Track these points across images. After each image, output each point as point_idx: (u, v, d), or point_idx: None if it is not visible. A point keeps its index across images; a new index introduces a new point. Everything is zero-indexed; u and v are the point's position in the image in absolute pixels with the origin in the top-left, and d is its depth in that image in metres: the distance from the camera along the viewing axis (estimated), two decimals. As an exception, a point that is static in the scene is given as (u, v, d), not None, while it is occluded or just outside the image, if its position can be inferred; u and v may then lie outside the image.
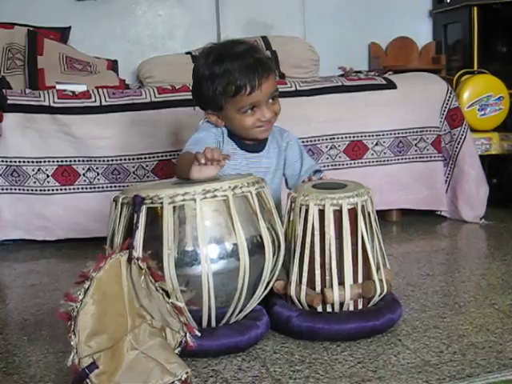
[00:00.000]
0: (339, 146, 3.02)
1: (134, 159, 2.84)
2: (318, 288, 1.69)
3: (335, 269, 1.66)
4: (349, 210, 1.67)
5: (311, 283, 1.69)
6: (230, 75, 1.83)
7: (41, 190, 2.80)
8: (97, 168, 2.83)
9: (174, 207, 1.51)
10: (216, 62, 1.86)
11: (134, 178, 2.84)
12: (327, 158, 3.00)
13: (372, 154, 3.05)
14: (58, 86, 3.10)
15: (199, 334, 1.49)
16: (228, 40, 1.98)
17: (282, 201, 1.96)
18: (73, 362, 1.34)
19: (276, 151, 2.04)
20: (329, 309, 1.71)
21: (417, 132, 3.09)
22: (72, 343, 1.35)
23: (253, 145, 1.98)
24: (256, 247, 1.57)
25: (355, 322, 1.66)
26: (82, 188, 2.84)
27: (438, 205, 3.14)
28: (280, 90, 2.91)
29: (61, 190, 2.82)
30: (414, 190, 3.10)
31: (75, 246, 2.82)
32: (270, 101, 1.90)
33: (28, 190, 2.80)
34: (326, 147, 3.00)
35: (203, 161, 1.62)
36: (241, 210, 1.56)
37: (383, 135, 3.05)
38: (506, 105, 3.37)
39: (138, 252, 1.47)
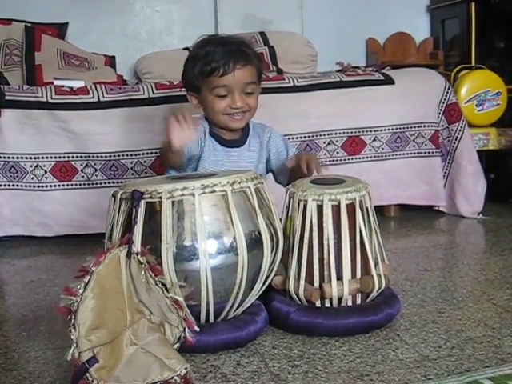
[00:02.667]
0: (337, 141, 3.02)
1: (132, 155, 2.84)
2: (317, 283, 1.69)
3: (333, 264, 1.67)
4: (347, 205, 1.68)
5: (309, 278, 1.70)
6: (209, 56, 1.92)
7: (39, 186, 2.80)
8: (95, 164, 2.83)
9: (173, 202, 1.51)
10: (202, 45, 1.97)
11: (132, 174, 2.84)
12: (325, 154, 3.00)
13: (370, 150, 3.05)
14: (56, 82, 3.09)
15: (198, 329, 1.49)
16: (227, 35, 2.06)
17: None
18: (73, 356, 1.34)
19: (258, 145, 2.07)
20: (327, 304, 1.71)
21: (415, 127, 3.09)
22: (72, 337, 1.35)
23: (233, 140, 2.03)
24: (254, 242, 1.57)
25: (354, 317, 1.66)
26: (80, 184, 2.84)
27: (436, 200, 3.14)
28: (278, 85, 2.97)
29: (59, 186, 2.82)
30: (412, 185, 3.10)
31: (74, 242, 2.82)
32: (245, 93, 1.95)
33: (26, 186, 2.80)
34: (324, 143, 3.01)
35: (175, 122, 1.74)
36: (239, 205, 1.56)
37: (381, 131, 3.06)
38: (503, 100, 3.37)
39: (137, 247, 1.47)
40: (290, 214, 1.75)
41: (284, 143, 2.11)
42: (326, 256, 1.67)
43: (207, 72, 1.92)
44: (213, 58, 1.91)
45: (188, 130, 1.75)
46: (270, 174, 2.14)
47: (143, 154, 2.85)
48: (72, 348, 1.35)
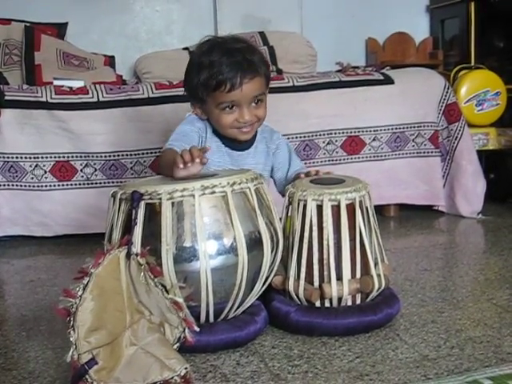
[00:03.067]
0: (336, 141, 3.02)
1: (131, 155, 2.84)
2: (316, 283, 1.69)
3: (333, 264, 1.67)
4: (347, 205, 1.68)
5: (309, 278, 1.70)
6: (214, 68, 1.80)
7: (38, 186, 2.80)
8: (94, 164, 2.83)
9: (173, 203, 1.51)
10: (206, 52, 1.85)
11: (132, 174, 2.84)
12: (324, 154, 3.00)
13: (369, 150, 3.05)
14: (56, 82, 3.10)
15: (198, 329, 1.49)
16: (231, 35, 1.94)
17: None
18: (72, 358, 1.34)
19: (264, 151, 2.01)
20: (327, 304, 1.71)
21: (414, 127, 3.09)
22: (71, 339, 1.35)
23: (238, 143, 1.94)
24: (254, 243, 1.57)
25: (353, 317, 1.66)
26: (80, 184, 2.84)
27: (436, 200, 3.14)
28: (277, 85, 2.96)
29: (58, 185, 2.82)
30: (412, 185, 3.10)
31: (73, 241, 2.82)
32: (253, 104, 1.86)
33: (26, 186, 2.80)
34: (324, 142, 3.00)
35: (181, 165, 1.60)
36: (239, 206, 1.55)
37: (380, 130, 3.06)
38: (503, 100, 3.37)
39: (137, 248, 1.47)
40: (289, 214, 1.75)
41: (288, 157, 2.04)
42: (325, 256, 1.67)
43: (213, 86, 1.81)
44: (218, 71, 1.79)
45: (196, 167, 1.63)
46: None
47: (143, 153, 2.85)
48: (71, 350, 1.35)
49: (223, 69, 1.79)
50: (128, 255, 1.45)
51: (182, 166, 1.60)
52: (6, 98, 2.79)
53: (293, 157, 2.07)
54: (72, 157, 2.82)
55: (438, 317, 1.78)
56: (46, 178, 2.80)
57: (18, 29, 3.55)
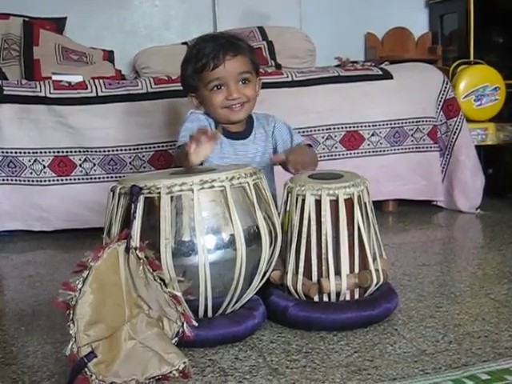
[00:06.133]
0: (335, 136, 3.02)
1: (130, 150, 2.84)
2: (315, 278, 1.69)
3: (332, 259, 1.67)
4: (345, 200, 1.68)
5: (308, 273, 1.70)
6: (200, 53, 1.94)
7: (37, 181, 2.80)
8: (93, 159, 2.83)
9: (172, 197, 1.51)
10: (193, 45, 2.00)
11: (131, 169, 2.84)
12: (323, 149, 3.00)
13: (368, 145, 3.05)
14: (54, 77, 3.10)
15: (196, 323, 1.49)
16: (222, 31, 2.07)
17: (277, 190, 1.97)
18: (71, 351, 1.35)
19: (263, 136, 2.08)
20: (325, 298, 1.71)
21: (413, 122, 3.09)
22: (71, 332, 1.35)
23: (238, 132, 2.03)
24: (253, 238, 1.57)
25: (352, 312, 1.66)
26: (79, 179, 2.84)
27: (434, 195, 3.15)
28: (276, 80, 2.97)
29: (57, 180, 2.82)
30: (410, 180, 3.11)
31: (72, 236, 2.82)
32: (241, 84, 1.96)
33: (25, 180, 2.80)
34: (323, 138, 3.01)
35: (193, 147, 1.64)
36: (238, 201, 1.56)
37: (379, 125, 3.06)
38: (501, 95, 3.37)
39: (136, 242, 1.48)
40: (288, 208, 1.75)
41: (288, 131, 2.10)
42: (324, 251, 1.67)
43: (200, 68, 1.94)
44: (203, 54, 1.93)
45: (208, 148, 1.66)
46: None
47: (141, 148, 2.85)
48: (71, 343, 1.35)
49: (207, 50, 1.93)
50: (127, 249, 1.45)
51: (192, 149, 1.63)
52: (5, 92, 2.78)
53: (293, 133, 2.12)
54: (71, 152, 2.82)
55: (436, 312, 1.78)
56: (45, 172, 2.80)
57: (17, 24, 3.55)
